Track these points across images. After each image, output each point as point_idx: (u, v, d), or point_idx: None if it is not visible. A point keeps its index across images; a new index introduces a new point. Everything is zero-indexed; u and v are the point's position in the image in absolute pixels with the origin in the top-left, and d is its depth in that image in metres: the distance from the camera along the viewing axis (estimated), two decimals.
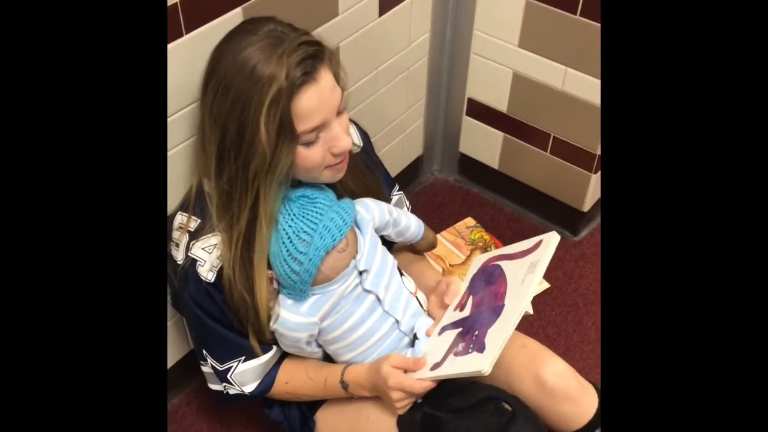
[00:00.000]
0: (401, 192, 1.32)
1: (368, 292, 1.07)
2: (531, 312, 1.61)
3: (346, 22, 1.31)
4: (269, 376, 1.14)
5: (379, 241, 1.11)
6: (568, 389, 1.06)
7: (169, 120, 1.06)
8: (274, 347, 1.13)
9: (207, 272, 1.04)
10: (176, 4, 0.98)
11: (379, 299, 1.08)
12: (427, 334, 1.09)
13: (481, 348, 0.97)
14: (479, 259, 1.19)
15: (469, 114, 1.76)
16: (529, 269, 1.03)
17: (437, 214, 1.85)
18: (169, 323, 1.29)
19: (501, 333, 0.96)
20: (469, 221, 1.82)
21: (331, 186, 1.09)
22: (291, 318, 1.04)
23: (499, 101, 1.67)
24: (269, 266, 1.04)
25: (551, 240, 1.05)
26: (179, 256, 1.05)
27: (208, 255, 1.04)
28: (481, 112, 1.73)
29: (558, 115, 1.59)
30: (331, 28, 1.27)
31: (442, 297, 1.12)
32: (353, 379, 1.09)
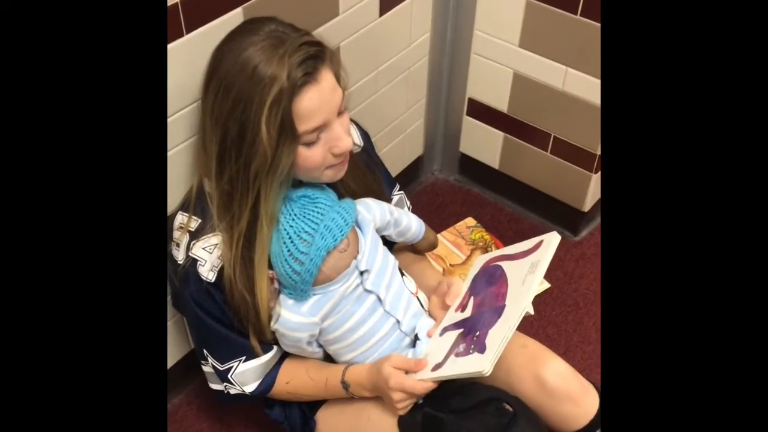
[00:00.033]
0: (402, 192, 1.32)
1: (369, 292, 1.07)
2: (532, 312, 1.61)
3: (347, 22, 1.31)
4: (270, 376, 1.14)
5: (380, 242, 1.11)
6: (568, 390, 1.06)
7: (169, 120, 1.06)
8: (275, 347, 1.13)
9: (208, 272, 1.04)
10: (177, 3, 0.98)
11: (380, 299, 1.08)
12: (429, 335, 1.09)
13: (481, 348, 0.97)
14: (480, 260, 1.19)
15: (469, 114, 1.76)
16: (529, 269, 1.03)
17: (438, 214, 1.85)
18: (169, 323, 1.29)
19: (502, 333, 0.96)
20: (470, 221, 1.82)
21: (332, 186, 1.09)
22: (292, 318, 1.04)
23: (500, 101, 1.67)
24: (270, 266, 1.04)
25: (552, 240, 1.05)
26: (180, 255, 1.05)
27: (208, 255, 1.04)
28: (481, 112, 1.73)
29: (558, 115, 1.59)
30: (331, 28, 1.27)
31: (443, 298, 1.12)
32: (354, 380, 1.09)
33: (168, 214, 1.11)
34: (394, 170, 1.68)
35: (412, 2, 1.47)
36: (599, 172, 1.62)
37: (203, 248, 1.04)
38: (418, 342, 1.09)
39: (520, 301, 1.00)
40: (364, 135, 1.25)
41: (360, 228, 1.08)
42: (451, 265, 1.71)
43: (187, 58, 1.02)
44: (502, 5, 1.52)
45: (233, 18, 1.07)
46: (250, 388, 1.14)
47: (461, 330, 1.05)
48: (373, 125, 1.43)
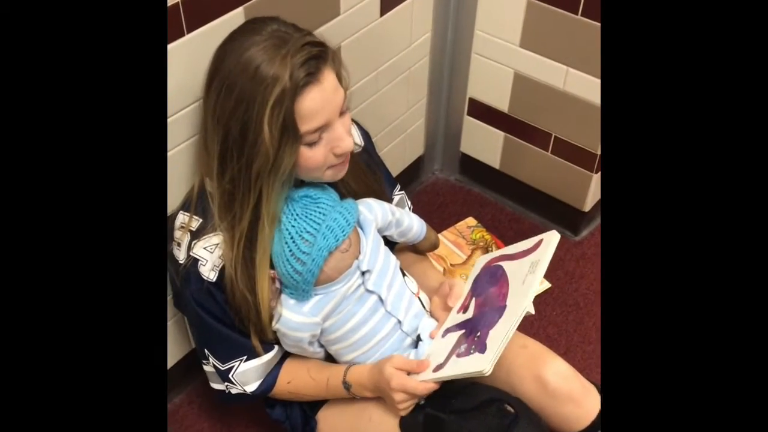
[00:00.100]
0: (402, 192, 1.32)
1: (371, 292, 1.07)
2: (532, 312, 1.61)
3: (348, 21, 1.31)
4: (271, 376, 1.14)
5: (382, 242, 1.11)
6: (570, 390, 1.06)
7: (170, 119, 1.06)
8: (276, 347, 1.13)
9: (209, 272, 1.04)
10: (177, 3, 0.98)
11: (381, 299, 1.08)
12: (431, 337, 1.09)
13: (482, 348, 0.97)
14: (481, 260, 1.19)
15: (470, 114, 1.76)
16: (530, 269, 1.03)
17: (438, 213, 1.85)
18: (169, 322, 1.29)
19: (502, 333, 0.96)
20: (470, 221, 1.82)
21: (333, 186, 1.09)
22: (293, 318, 1.04)
23: (501, 101, 1.67)
24: (272, 266, 1.04)
25: (551, 239, 1.05)
26: (181, 255, 1.05)
27: (209, 254, 1.04)
28: (482, 111, 1.73)
29: (559, 115, 1.59)
30: (332, 28, 1.27)
31: (445, 299, 1.12)
32: (356, 380, 1.09)
33: (169, 214, 1.11)
34: (395, 170, 1.68)
35: (412, 2, 1.47)
36: (600, 172, 1.62)
37: (204, 248, 1.04)
38: (420, 343, 1.09)
39: (520, 301, 1.00)
40: (365, 135, 1.25)
41: (362, 228, 1.08)
42: (451, 264, 1.71)
43: (188, 58, 1.02)
44: (502, 5, 1.52)
45: (234, 18, 1.07)
46: (251, 388, 1.14)
47: (463, 331, 1.05)
48: (374, 125, 1.43)
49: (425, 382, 1.02)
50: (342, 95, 0.98)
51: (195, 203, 1.06)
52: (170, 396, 1.45)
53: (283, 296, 1.05)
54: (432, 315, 1.14)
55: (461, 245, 1.76)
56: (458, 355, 1.00)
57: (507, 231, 1.80)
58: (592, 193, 1.66)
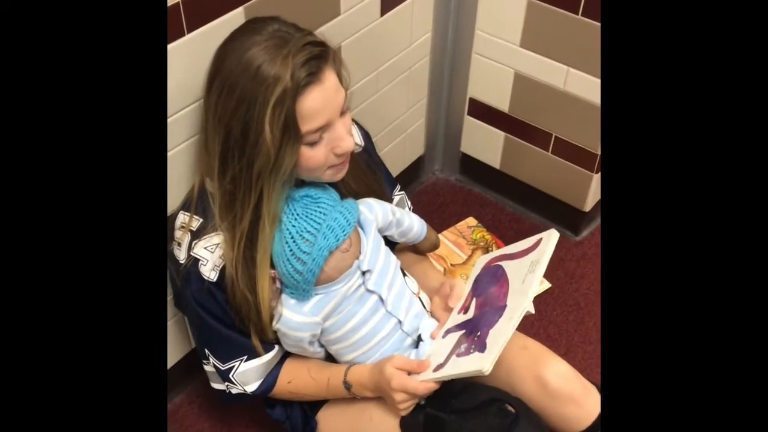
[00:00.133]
0: (403, 192, 1.32)
1: (371, 292, 1.07)
2: (533, 311, 1.60)
3: (348, 21, 1.31)
4: (271, 376, 1.14)
5: (383, 242, 1.11)
6: (571, 391, 1.06)
7: (170, 119, 1.06)
8: (276, 347, 1.12)
9: (209, 271, 1.04)
10: (178, 3, 0.98)
11: (382, 299, 1.08)
12: (432, 337, 1.09)
13: (482, 348, 0.97)
14: (481, 260, 1.19)
15: (470, 114, 1.76)
16: (530, 268, 1.03)
17: (439, 213, 1.85)
18: (170, 322, 1.29)
19: (502, 333, 0.96)
20: (471, 221, 1.82)
21: (333, 186, 1.09)
22: (294, 318, 1.04)
23: (501, 101, 1.67)
24: (272, 266, 1.04)
25: (551, 238, 1.05)
26: (181, 255, 1.05)
27: (210, 254, 1.04)
28: (482, 111, 1.73)
29: (560, 115, 1.59)
30: (332, 28, 1.27)
31: (446, 299, 1.12)
32: (356, 380, 1.09)
33: (169, 214, 1.11)
34: (395, 170, 1.68)
35: (413, 2, 1.46)
36: (600, 172, 1.62)
37: (205, 248, 1.04)
38: (421, 343, 1.09)
39: (520, 301, 1.00)
40: (365, 135, 1.25)
41: (362, 228, 1.08)
42: (452, 264, 1.71)
43: (188, 58, 1.02)
44: (503, 5, 1.52)
45: (234, 18, 1.07)
46: (251, 388, 1.14)
47: (463, 331, 1.05)
48: (374, 125, 1.43)
49: (426, 382, 1.02)
50: (343, 95, 0.98)
51: (195, 203, 1.06)
52: (170, 396, 1.45)
53: (284, 296, 1.05)
54: (433, 315, 1.14)
55: (461, 245, 1.76)
56: (458, 355, 1.00)
57: (507, 231, 1.80)
58: (593, 193, 1.66)
